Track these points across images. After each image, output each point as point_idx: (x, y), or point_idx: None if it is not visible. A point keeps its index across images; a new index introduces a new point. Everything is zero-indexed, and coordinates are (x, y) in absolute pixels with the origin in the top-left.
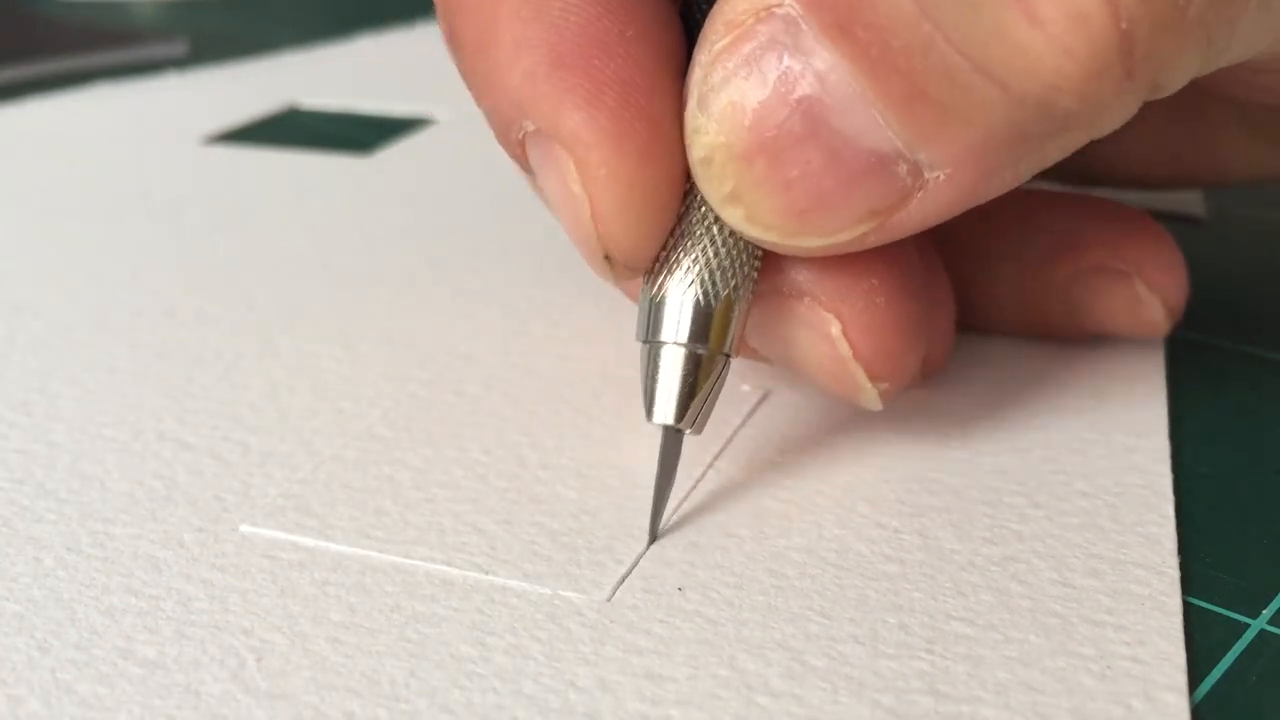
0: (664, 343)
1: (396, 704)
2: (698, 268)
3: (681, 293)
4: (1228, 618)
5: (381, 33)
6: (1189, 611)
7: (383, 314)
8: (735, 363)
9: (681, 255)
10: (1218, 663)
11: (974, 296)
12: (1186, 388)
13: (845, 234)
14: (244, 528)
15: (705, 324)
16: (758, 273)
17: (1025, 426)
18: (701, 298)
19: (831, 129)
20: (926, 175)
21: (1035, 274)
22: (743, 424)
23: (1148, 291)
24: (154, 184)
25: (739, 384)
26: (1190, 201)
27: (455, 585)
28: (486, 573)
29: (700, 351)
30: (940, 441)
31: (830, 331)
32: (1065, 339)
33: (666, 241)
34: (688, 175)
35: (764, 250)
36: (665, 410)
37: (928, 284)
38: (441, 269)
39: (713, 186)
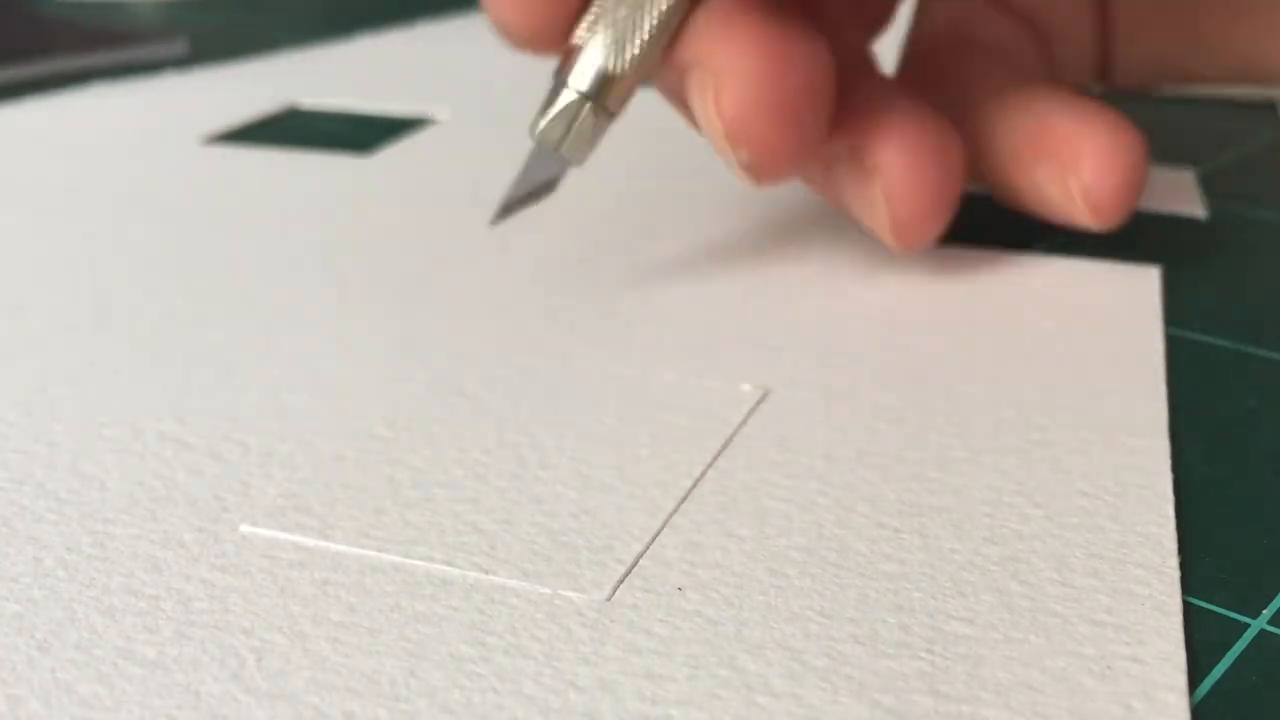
0: (566, 85)
1: (396, 704)
2: (608, 41)
3: (595, 53)
4: (1228, 618)
5: (381, 33)
6: (1189, 611)
7: (383, 314)
8: (735, 363)
9: (597, 25)
10: (1218, 663)
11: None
12: (1186, 388)
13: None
14: (244, 528)
15: (602, 81)
16: (658, 49)
17: (1025, 426)
18: (603, 65)
19: None
20: None
21: (1012, 152)
22: (742, 424)
23: (1077, 186)
24: (154, 184)
25: (739, 384)
26: (1190, 201)
27: (455, 585)
28: (487, 573)
29: (588, 98)
30: (940, 441)
31: (708, 94)
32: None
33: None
34: None
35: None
36: (542, 127)
37: (815, 83)
38: (441, 269)
39: None
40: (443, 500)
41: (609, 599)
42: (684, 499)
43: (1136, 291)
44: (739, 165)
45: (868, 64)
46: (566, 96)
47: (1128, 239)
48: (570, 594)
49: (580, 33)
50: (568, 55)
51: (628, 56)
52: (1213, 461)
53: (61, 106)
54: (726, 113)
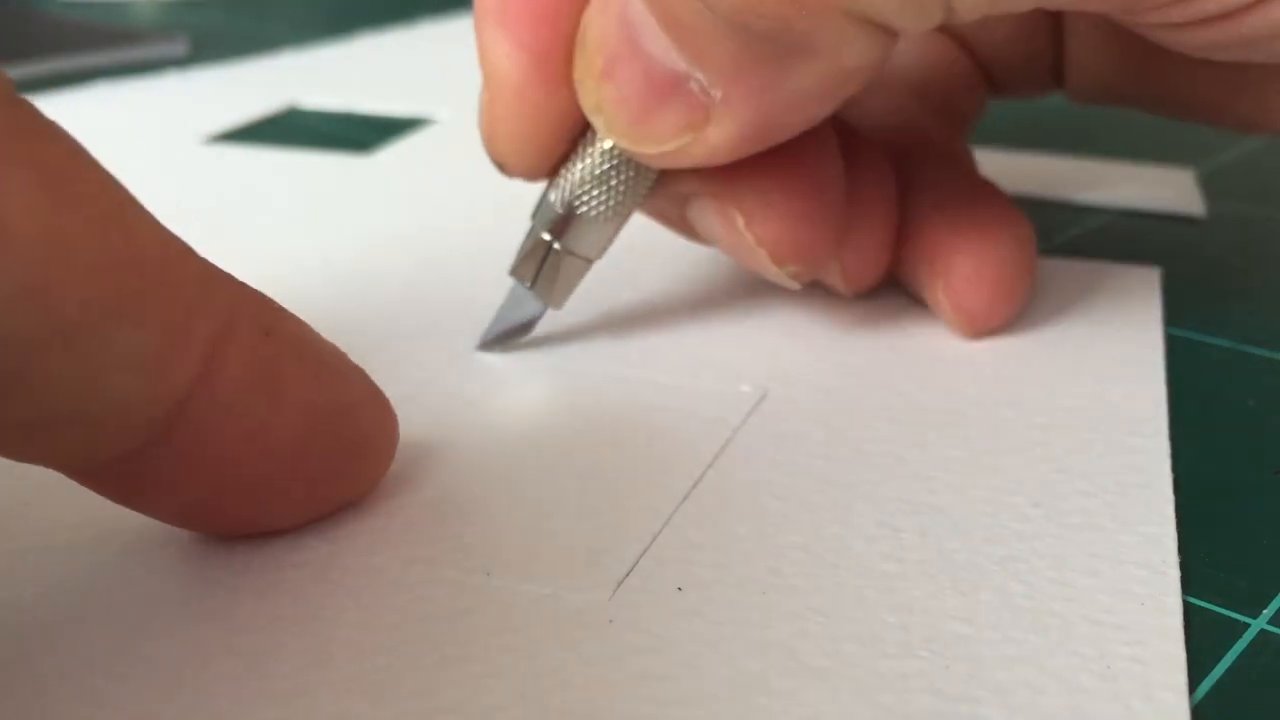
0: (535, 231)
1: (396, 704)
2: (570, 180)
3: (554, 194)
4: (1228, 618)
5: (381, 33)
6: (1189, 611)
7: (382, 314)
8: (734, 362)
9: (574, 166)
10: (1218, 663)
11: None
12: (1186, 388)
13: (671, 143)
14: None
15: (566, 223)
16: (625, 191)
17: (1025, 426)
18: (563, 204)
19: (643, 51)
20: (712, 93)
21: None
22: (742, 424)
23: (944, 299)
24: (154, 184)
25: (739, 384)
26: (1190, 201)
27: (456, 585)
28: (487, 573)
29: (555, 245)
30: (940, 441)
31: (736, 223)
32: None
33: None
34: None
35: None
36: (516, 267)
37: (835, 181)
38: (441, 269)
39: (585, 100)
40: (443, 500)
41: (609, 599)
42: (684, 499)
43: (1136, 291)
44: (786, 276)
45: (836, 155)
46: (534, 238)
47: (1128, 239)
48: (570, 594)
49: (560, 174)
50: (543, 203)
51: (594, 205)
52: (1213, 461)
53: (61, 106)
54: (768, 238)
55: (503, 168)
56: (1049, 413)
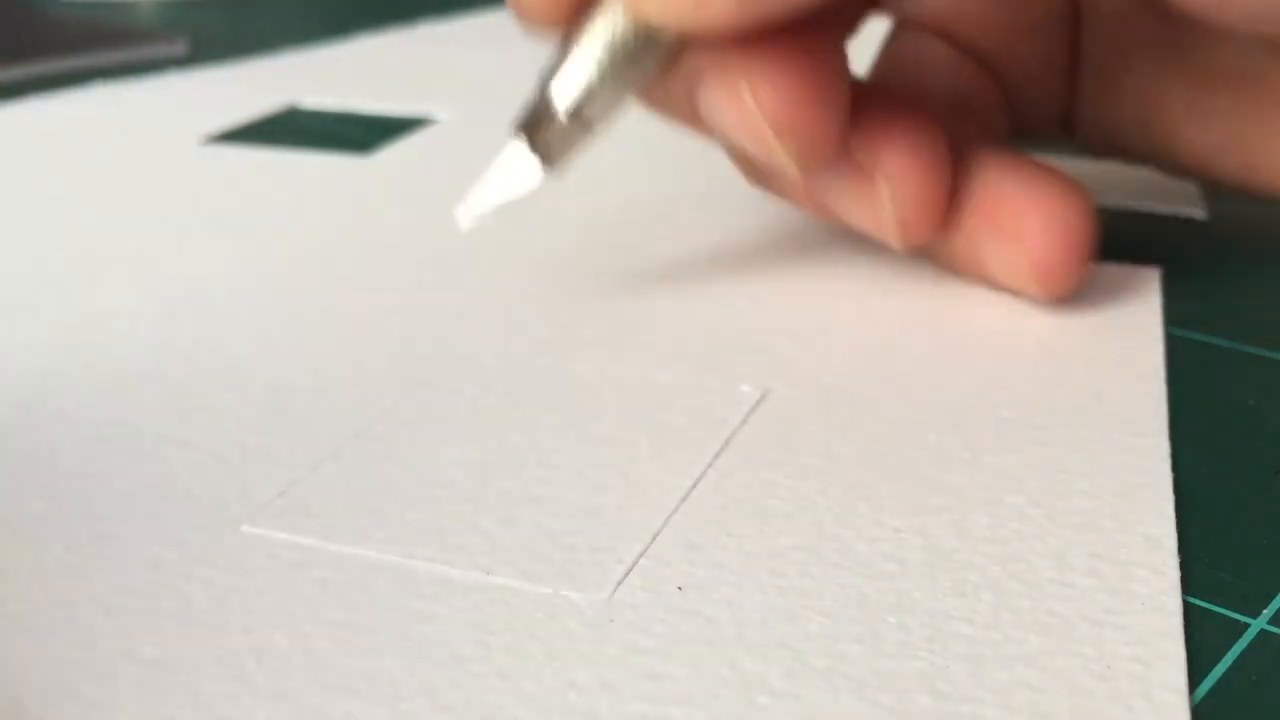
0: (540, 84)
1: (396, 704)
2: (581, 38)
3: (565, 52)
4: (1228, 618)
5: (381, 33)
6: (1189, 611)
7: (383, 314)
8: (735, 363)
9: (586, 26)
10: (1218, 663)
11: None
12: (1186, 388)
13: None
14: (244, 528)
15: (574, 83)
16: (636, 54)
17: (1025, 426)
18: (573, 61)
19: None
20: None
21: (957, 217)
22: (742, 424)
23: (1023, 257)
24: (154, 184)
25: (738, 384)
26: (1190, 201)
27: (455, 585)
28: (487, 573)
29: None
30: (940, 441)
31: (743, 96)
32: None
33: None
34: None
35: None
36: (518, 124)
37: (841, 73)
38: (441, 269)
39: None
40: (443, 500)
41: (609, 599)
42: (684, 499)
43: (1136, 291)
44: (786, 158)
45: (847, 63)
46: (541, 97)
47: (1128, 239)
48: (570, 594)
49: (572, 33)
50: (554, 54)
51: (604, 67)
52: (1213, 461)
53: (61, 106)
54: (769, 106)
55: (524, 12)
56: (1049, 413)
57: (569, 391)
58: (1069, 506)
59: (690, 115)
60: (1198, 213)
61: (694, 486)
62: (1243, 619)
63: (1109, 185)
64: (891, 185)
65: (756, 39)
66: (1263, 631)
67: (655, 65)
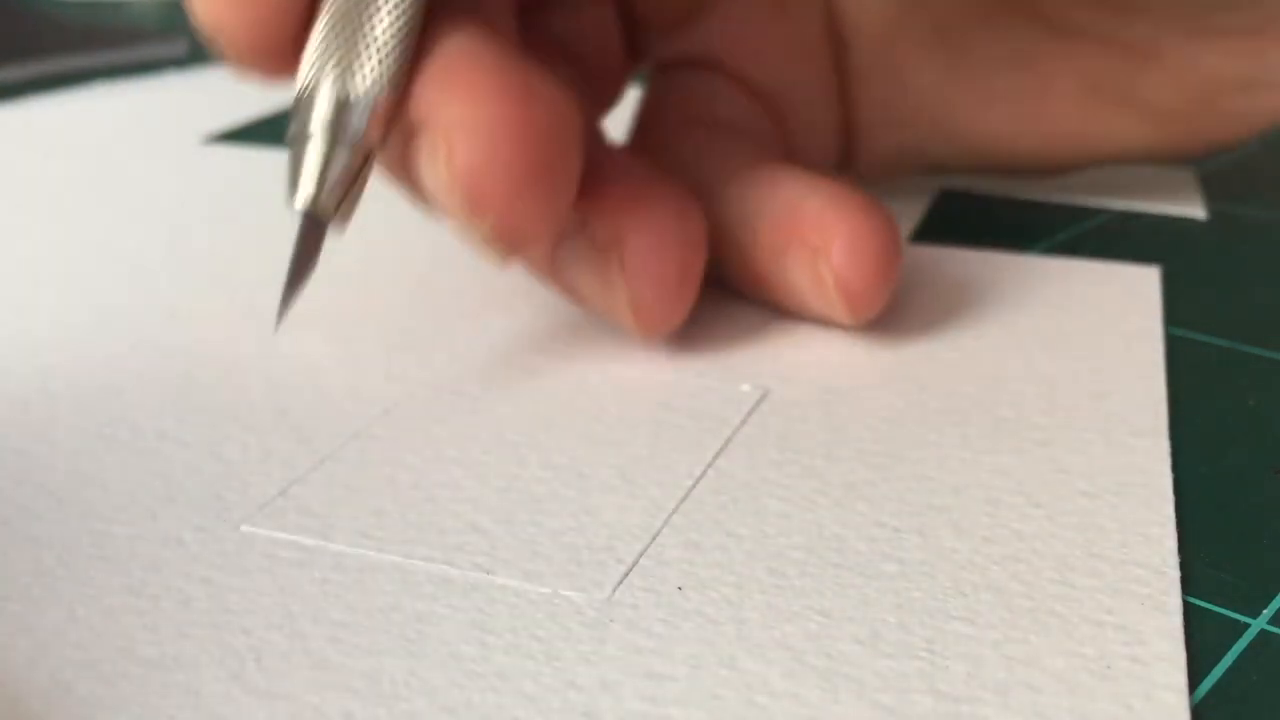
0: (310, 135)
1: (396, 704)
2: (340, 66)
3: (328, 87)
4: (1228, 618)
5: None
6: (1189, 611)
7: (382, 313)
8: (734, 363)
9: (324, 55)
10: (1218, 663)
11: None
12: (1186, 388)
13: None
14: (244, 528)
15: (345, 116)
16: (397, 72)
17: (1025, 425)
18: (342, 93)
19: None
20: None
21: (757, 242)
22: (742, 424)
23: (827, 270)
24: (154, 184)
25: (738, 384)
26: (1190, 201)
27: (455, 585)
28: (487, 573)
29: (346, 142)
30: (940, 441)
31: (439, 156)
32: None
33: (310, 43)
34: None
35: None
36: (305, 193)
37: (565, 127)
38: (442, 269)
39: None
40: (443, 500)
41: (609, 599)
42: (684, 499)
43: (1136, 291)
44: (481, 237)
45: (597, 134)
46: (312, 145)
47: (1128, 239)
48: (570, 594)
49: (305, 71)
50: (298, 105)
51: (368, 71)
52: (1213, 461)
53: (61, 106)
54: (461, 172)
55: (222, 39)
56: (1049, 413)
57: (569, 391)
58: (1069, 506)
59: (410, 180)
60: (1198, 213)
61: (694, 486)
62: (1243, 619)
63: (1109, 186)
64: (626, 262)
65: (484, 78)
66: (1263, 631)
67: (400, 49)
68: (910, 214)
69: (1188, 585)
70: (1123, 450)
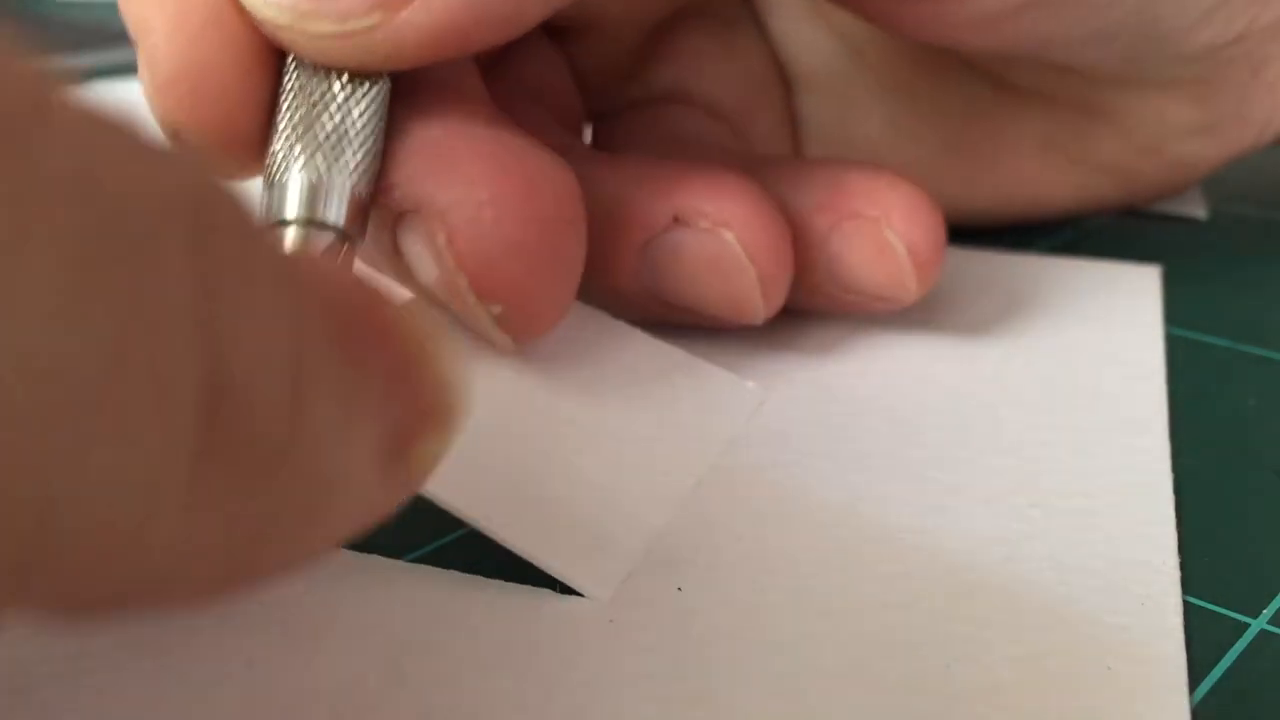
0: (289, 221)
1: (396, 704)
2: (307, 153)
3: (297, 174)
4: (1228, 618)
5: None
6: (1189, 611)
7: None
8: (735, 363)
9: (290, 141)
10: (1218, 663)
11: None
12: (1186, 388)
13: (354, 22)
14: None
15: (318, 206)
16: (370, 157)
17: (1025, 426)
18: (316, 181)
19: None
20: None
21: (800, 227)
22: (745, 423)
23: (895, 237)
24: None
25: (740, 383)
26: (1190, 201)
27: (455, 585)
28: (486, 573)
29: (326, 225)
30: (940, 441)
31: (438, 243)
32: (825, 308)
33: (274, 138)
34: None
35: (377, 147)
36: None
37: (567, 199)
38: None
39: None
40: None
41: (609, 599)
42: (684, 498)
43: (1136, 291)
44: (493, 324)
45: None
46: (289, 236)
47: (1128, 239)
48: (570, 593)
49: (274, 157)
50: (268, 192)
51: (348, 159)
52: (1213, 461)
53: None
54: (466, 259)
55: (191, 135)
56: (1049, 413)
57: (569, 391)
58: (1069, 506)
59: (396, 270)
60: (1198, 213)
61: (694, 486)
62: (1243, 619)
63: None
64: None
65: (474, 155)
66: (1263, 631)
67: (370, 129)
68: None
69: (1188, 585)
70: (1123, 450)
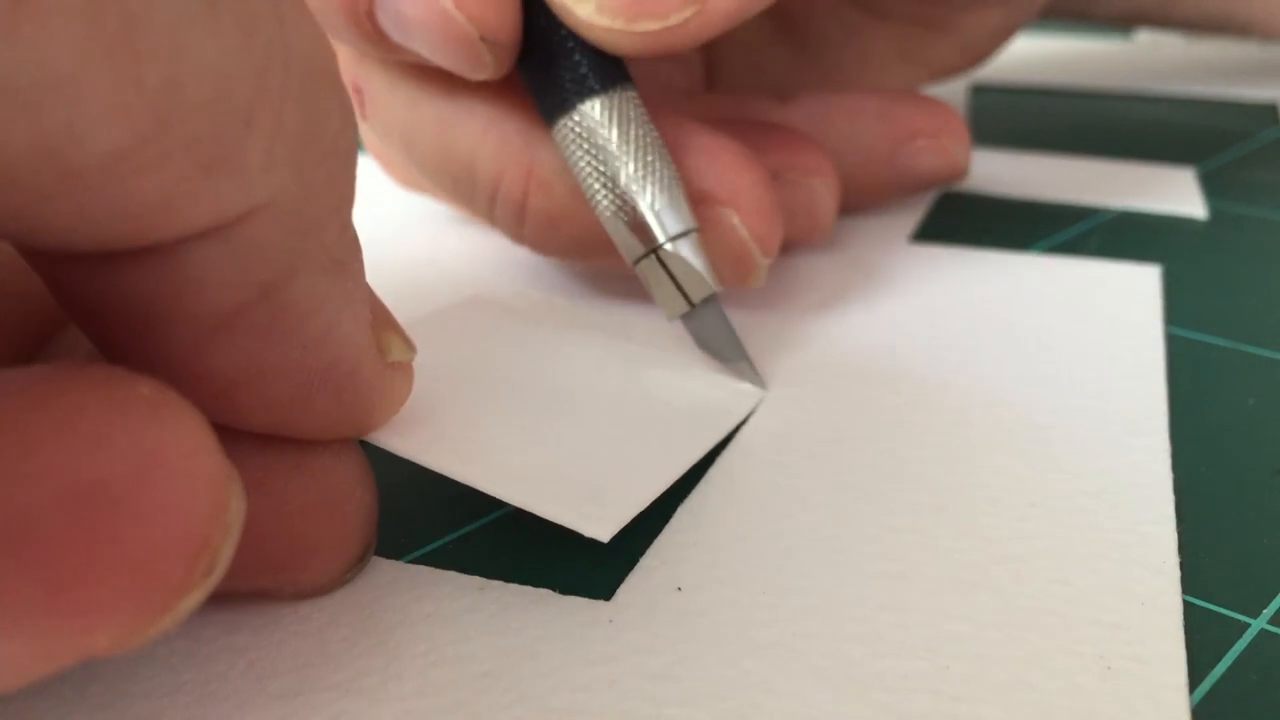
0: (663, 246)
1: (395, 704)
2: (638, 183)
3: (644, 206)
4: (1228, 618)
5: None
6: (1189, 611)
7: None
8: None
9: (641, 178)
10: (1218, 663)
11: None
12: (1186, 388)
13: (675, 16)
14: None
15: (668, 219)
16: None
17: (1025, 426)
18: (659, 203)
19: None
20: None
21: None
22: (743, 424)
23: (957, 147)
24: None
25: (739, 383)
26: (1190, 201)
27: (457, 585)
28: (486, 574)
29: (691, 229)
30: (941, 441)
31: (732, 221)
32: (895, 196)
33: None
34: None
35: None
36: (706, 284)
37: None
38: (442, 270)
39: None
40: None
41: (609, 599)
42: (684, 498)
43: (1136, 291)
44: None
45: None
46: (647, 267)
47: (1128, 239)
48: (572, 595)
49: (609, 210)
50: (631, 230)
51: (668, 175)
52: (1213, 461)
53: None
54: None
55: (489, 38)
56: (1049, 413)
57: (569, 391)
58: (1069, 506)
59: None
60: (1198, 213)
61: (694, 486)
62: (1243, 619)
63: (1109, 186)
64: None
65: (729, 161)
66: (1263, 631)
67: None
68: (910, 214)
69: (1188, 585)
70: (1123, 450)
